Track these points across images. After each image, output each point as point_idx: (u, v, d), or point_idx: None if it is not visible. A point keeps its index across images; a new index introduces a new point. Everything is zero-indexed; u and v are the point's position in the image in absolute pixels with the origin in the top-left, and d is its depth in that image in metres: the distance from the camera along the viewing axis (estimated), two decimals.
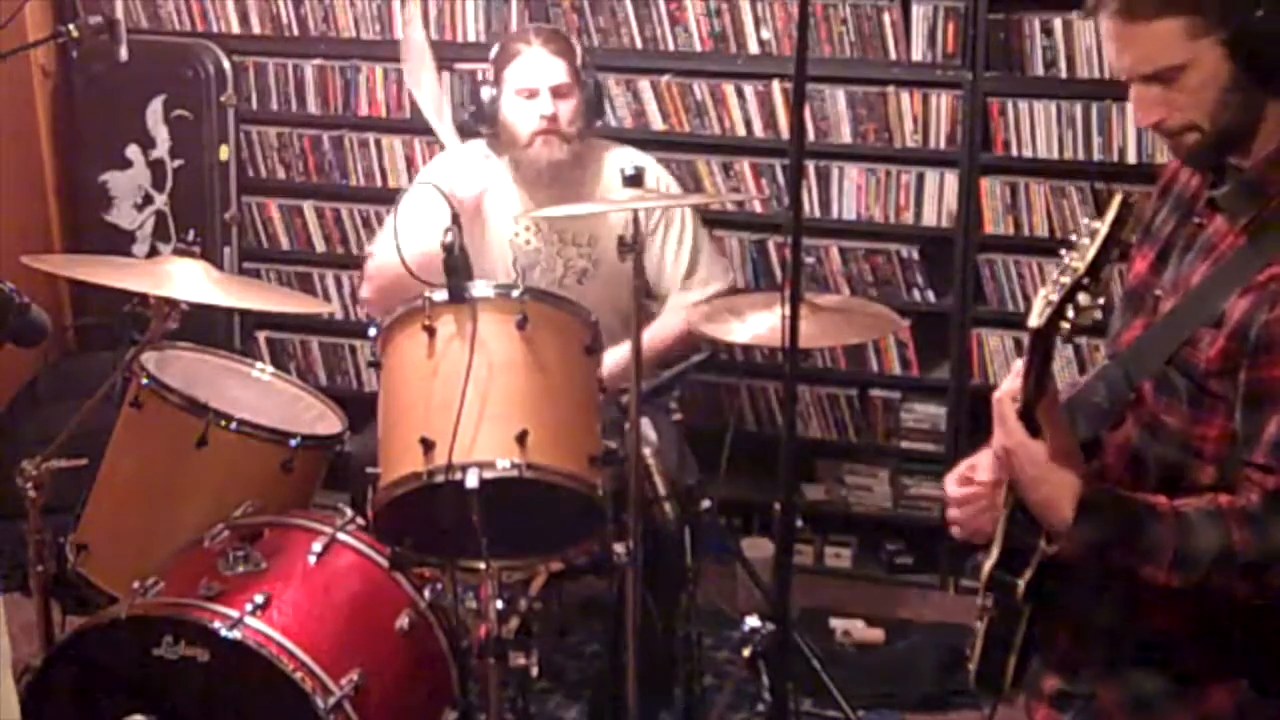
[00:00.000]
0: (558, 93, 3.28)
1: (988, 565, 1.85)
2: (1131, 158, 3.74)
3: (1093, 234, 1.56)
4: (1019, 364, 1.72)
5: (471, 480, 2.42)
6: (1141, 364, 1.78)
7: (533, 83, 3.27)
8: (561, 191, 3.30)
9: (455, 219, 2.54)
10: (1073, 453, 1.70)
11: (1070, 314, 1.55)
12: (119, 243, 4.43)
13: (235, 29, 4.39)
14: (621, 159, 3.39)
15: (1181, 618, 1.76)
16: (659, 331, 3.36)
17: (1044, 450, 1.69)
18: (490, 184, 3.33)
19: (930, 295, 4.00)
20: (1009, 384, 1.74)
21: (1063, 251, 1.58)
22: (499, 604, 2.57)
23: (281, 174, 4.42)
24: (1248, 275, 1.69)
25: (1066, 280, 1.55)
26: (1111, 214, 1.55)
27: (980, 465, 1.93)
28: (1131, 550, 1.69)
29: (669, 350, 3.32)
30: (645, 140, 3.73)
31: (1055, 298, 1.56)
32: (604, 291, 3.26)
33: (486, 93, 3.33)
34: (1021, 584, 1.78)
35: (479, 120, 3.38)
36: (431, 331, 2.52)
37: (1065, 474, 1.69)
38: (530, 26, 3.40)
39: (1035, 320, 1.58)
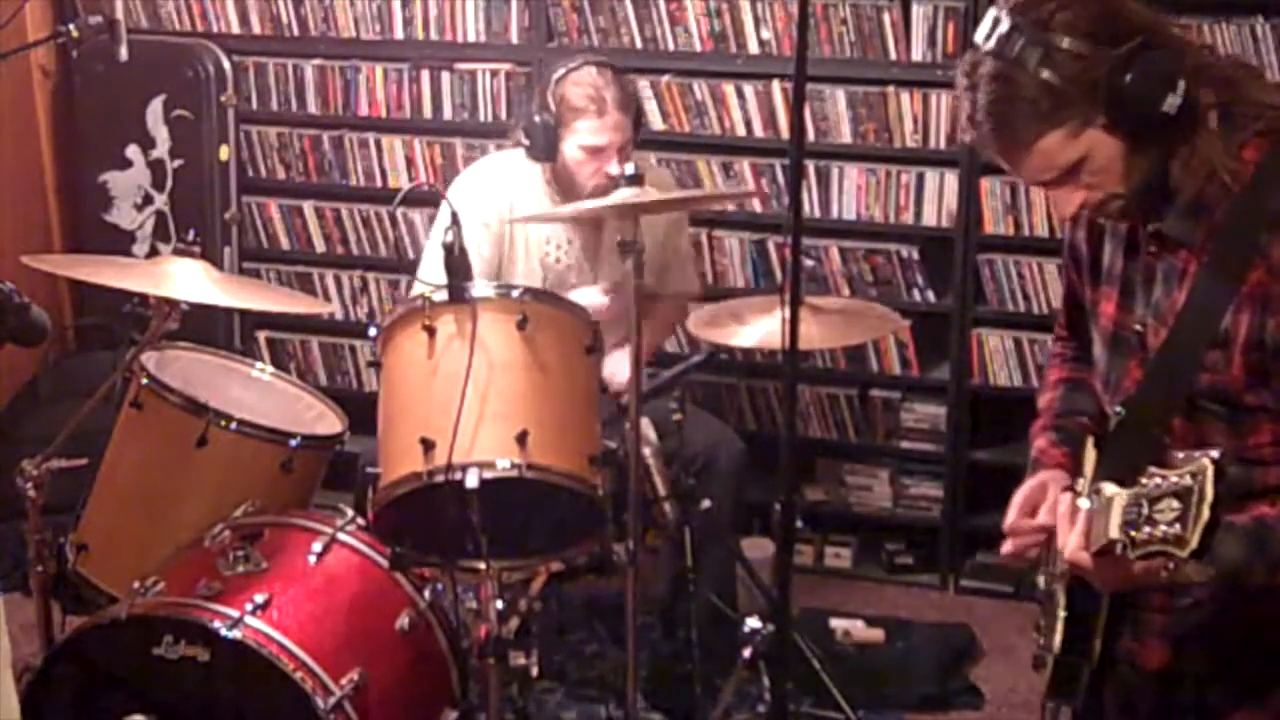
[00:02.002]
0: (621, 149, 3.30)
1: (1051, 660, 1.91)
2: None
3: (1185, 494, 1.54)
4: (1067, 512, 1.78)
5: (471, 480, 2.42)
6: (1164, 405, 1.78)
7: (602, 143, 3.28)
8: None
9: (455, 219, 2.54)
10: (1131, 574, 1.71)
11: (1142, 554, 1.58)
12: (119, 243, 4.43)
13: (235, 29, 4.39)
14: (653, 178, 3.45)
15: (1244, 632, 1.81)
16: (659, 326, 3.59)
17: (1111, 573, 1.72)
18: (519, 199, 3.39)
19: (930, 295, 4.00)
20: (1069, 541, 1.75)
21: (1144, 481, 1.59)
22: (499, 604, 2.57)
23: (281, 174, 4.43)
24: (1232, 289, 1.70)
25: (1159, 532, 1.56)
26: (1211, 490, 1.52)
27: (1050, 490, 1.96)
28: (1267, 563, 1.69)
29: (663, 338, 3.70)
30: (645, 140, 3.72)
31: (1147, 547, 1.58)
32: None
33: (543, 122, 3.29)
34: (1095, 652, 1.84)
35: (534, 151, 3.34)
36: (432, 331, 2.52)
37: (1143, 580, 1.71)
38: (597, 74, 3.29)
39: (1115, 538, 1.62)
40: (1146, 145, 1.72)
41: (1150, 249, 1.82)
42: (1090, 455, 1.90)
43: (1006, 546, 1.97)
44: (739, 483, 3.50)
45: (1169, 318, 1.78)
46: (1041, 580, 2.03)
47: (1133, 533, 1.58)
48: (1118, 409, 1.86)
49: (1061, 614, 1.90)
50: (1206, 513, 1.50)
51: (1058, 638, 1.91)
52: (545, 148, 3.31)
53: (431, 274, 2.80)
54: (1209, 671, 1.87)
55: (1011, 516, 1.98)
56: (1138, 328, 1.85)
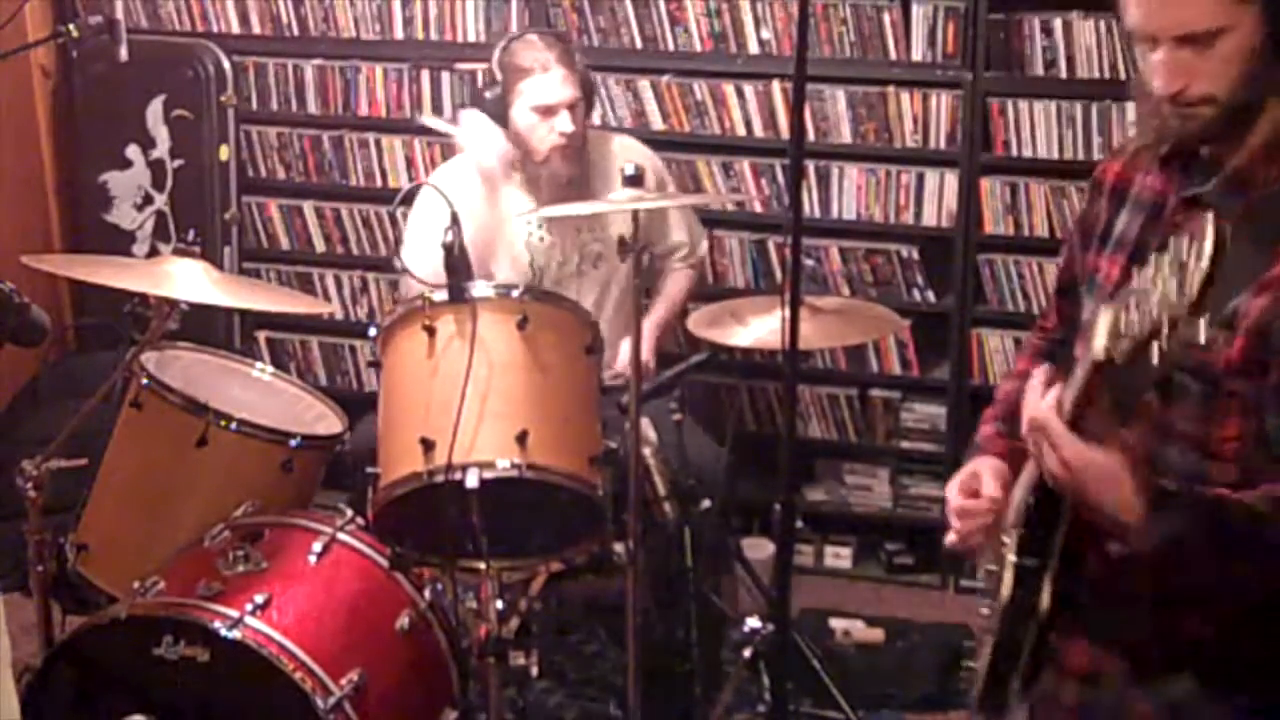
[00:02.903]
0: (572, 106, 3.32)
1: (1008, 580, 1.84)
2: None
3: (1182, 260, 1.44)
4: (1038, 377, 1.72)
5: (471, 480, 2.43)
6: (1148, 370, 1.72)
7: (552, 100, 3.30)
8: (568, 190, 3.34)
9: (455, 219, 2.54)
10: (1137, 454, 1.69)
11: (1161, 347, 1.47)
12: (119, 243, 4.43)
13: (235, 29, 4.39)
14: (624, 148, 3.51)
15: (1212, 623, 1.75)
16: (671, 292, 3.61)
17: (1108, 456, 1.67)
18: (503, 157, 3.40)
19: (930, 295, 4.00)
20: (1042, 402, 1.70)
21: (1135, 270, 1.50)
22: (499, 604, 2.57)
23: (281, 174, 4.42)
24: (1255, 271, 1.67)
25: (1152, 308, 1.46)
26: (1210, 241, 1.42)
27: (984, 478, 1.93)
28: (1209, 539, 1.68)
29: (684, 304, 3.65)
30: (645, 140, 3.73)
31: (1140, 328, 1.48)
32: (619, 274, 3.32)
33: (493, 96, 3.34)
34: (1046, 597, 1.76)
35: (490, 112, 3.37)
36: (432, 331, 2.52)
37: (1132, 474, 1.68)
38: (539, 39, 3.36)
39: (1102, 353, 1.54)
40: (1270, 62, 1.67)
41: (1174, 218, 1.79)
42: None
43: (952, 532, 1.94)
44: (725, 503, 3.45)
45: None
46: (981, 573, 2.00)
47: (1121, 330, 1.51)
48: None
49: (991, 639, 1.87)
50: (1206, 263, 1.41)
51: (987, 650, 1.88)
52: (494, 112, 3.34)
53: (417, 263, 2.80)
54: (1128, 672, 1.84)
55: (955, 500, 1.96)
56: None
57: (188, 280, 2.83)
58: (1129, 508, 1.67)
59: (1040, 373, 1.80)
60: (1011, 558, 1.81)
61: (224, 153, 4.38)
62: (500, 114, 3.34)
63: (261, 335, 4.51)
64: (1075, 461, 1.67)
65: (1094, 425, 1.67)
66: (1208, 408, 1.71)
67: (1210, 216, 1.45)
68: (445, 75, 4.22)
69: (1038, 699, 1.86)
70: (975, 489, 1.95)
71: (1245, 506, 1.68)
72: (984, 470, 1.96)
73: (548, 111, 3.31)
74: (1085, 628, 1.82)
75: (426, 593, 2.78)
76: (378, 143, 4.31)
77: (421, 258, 2.82)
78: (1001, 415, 2.11)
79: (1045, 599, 1.77)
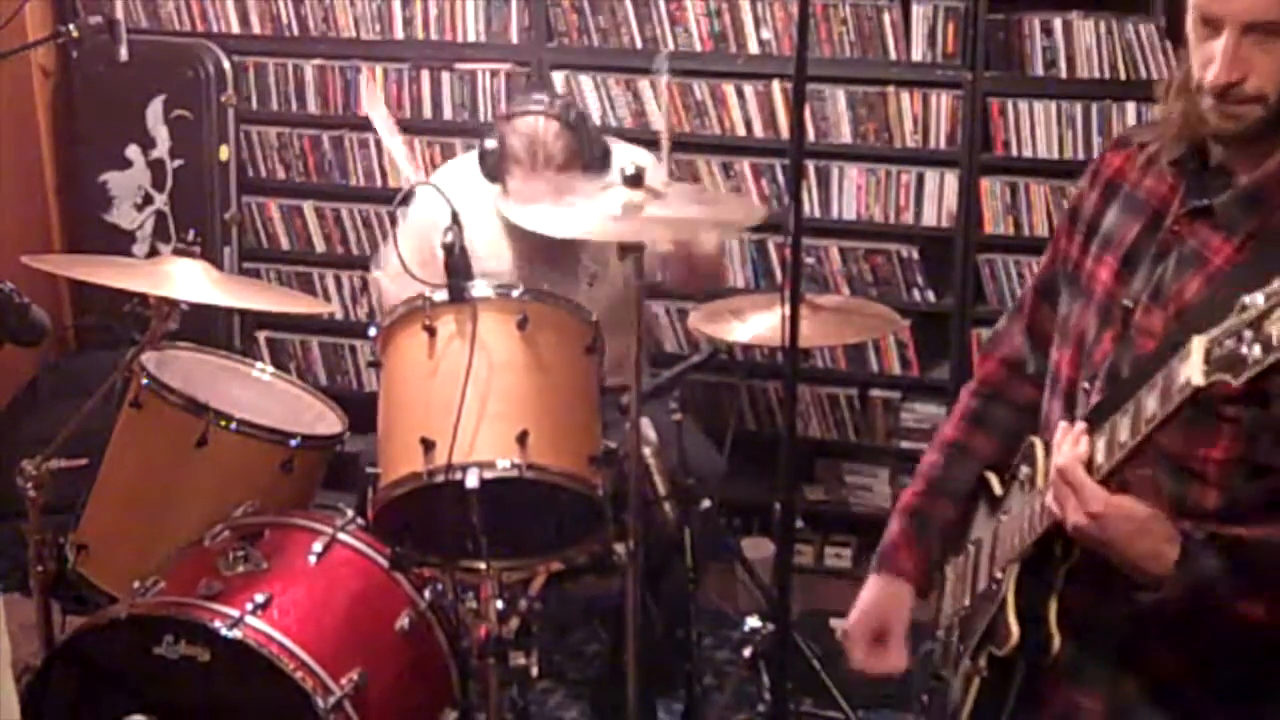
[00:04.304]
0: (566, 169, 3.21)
1: (973, 644, 1.86)
2: None
3: None
4: (1067, 430, 1.66)
5: (472, 480, 2.43)
6: (1138, 386, 1.65)
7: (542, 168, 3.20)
8: (552, 245, 3.21)
9: (455, 218, 2.54)
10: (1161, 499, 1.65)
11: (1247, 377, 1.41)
12: (119, 243, 4.42)
13: (235, 29, 4.38)
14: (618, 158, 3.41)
15: (1185, 659, 1.72)
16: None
17: (1138, 505, 1.63)
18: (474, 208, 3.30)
19: (930, 295, 3.99)
20: (1069, 451, 1.65)
21: (1246, 300, 1.40)
22: (499, 604, 2.57)
23: (281, 174, 4.42)
24: None
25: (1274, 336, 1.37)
26: None
27: (891, 635, 2.00)
28: (1236, 584, 1.63)
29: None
30: (645, 140, 3.72)
31: (1261, 358, 1.38)
32: (613, 291, 3.28)
33: (490, 157, 3.26)
34: (1057, 640, 1.73)
35: (485, 169, 3.30)
36: (432, 331, 2.52)
37: (1163, 521, 1.63)
38: (545, 130, 3.20)
39: (1200, 379, 1.44)
40: None
41: (1174, 227, 1.72)
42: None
43: (868, 673, 1.98)
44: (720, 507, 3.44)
45: (1170, 305, 1.70)
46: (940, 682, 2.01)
47: (1242, 349, 1.39)
48: (1084, 386, 1.79)
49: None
50: None
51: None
52: (489, 173, 3.29)
53: (390, 263, 2.79)
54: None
55: (859, 655, 1.99)
56: (1126, 303, 1.75)
57: (188, 280, 2.83)
58: (1157, 556, 1.63)
59: (897, 620, 1.92)
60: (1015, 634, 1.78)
61: (224, 153, 4.38)
62: (492, 172, 3.28)
63: (261, 335, 4.51)
64: (1104, 513, 1.62)
65: (1129, 471, 1.62)
66: (1194, 428, 1.64)
67: None
68: (445, 75, 4.21)
69: None
70: (880, 633, 2.00)
71: (1273, 544, 1.64)
72: (890, 615, 2.02)
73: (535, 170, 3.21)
74: (1060, 667, 1.77)
75: (426, 593, 2.78)
76: (378, 143, 4.29)
77: (409, 252, 2.79)
78: (916, 506, 2.06)
79: (1056, 643, 1.73)
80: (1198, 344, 1.44)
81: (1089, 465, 1.63)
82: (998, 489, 1.93)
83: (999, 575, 1.82)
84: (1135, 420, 1.57)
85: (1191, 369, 1.44)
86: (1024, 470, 1.84)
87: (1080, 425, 1.66)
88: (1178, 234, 1.72)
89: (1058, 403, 1.85)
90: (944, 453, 2.07)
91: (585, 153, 3.23)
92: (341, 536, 2.77)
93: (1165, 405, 1.51)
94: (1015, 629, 1.75)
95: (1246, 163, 1.68)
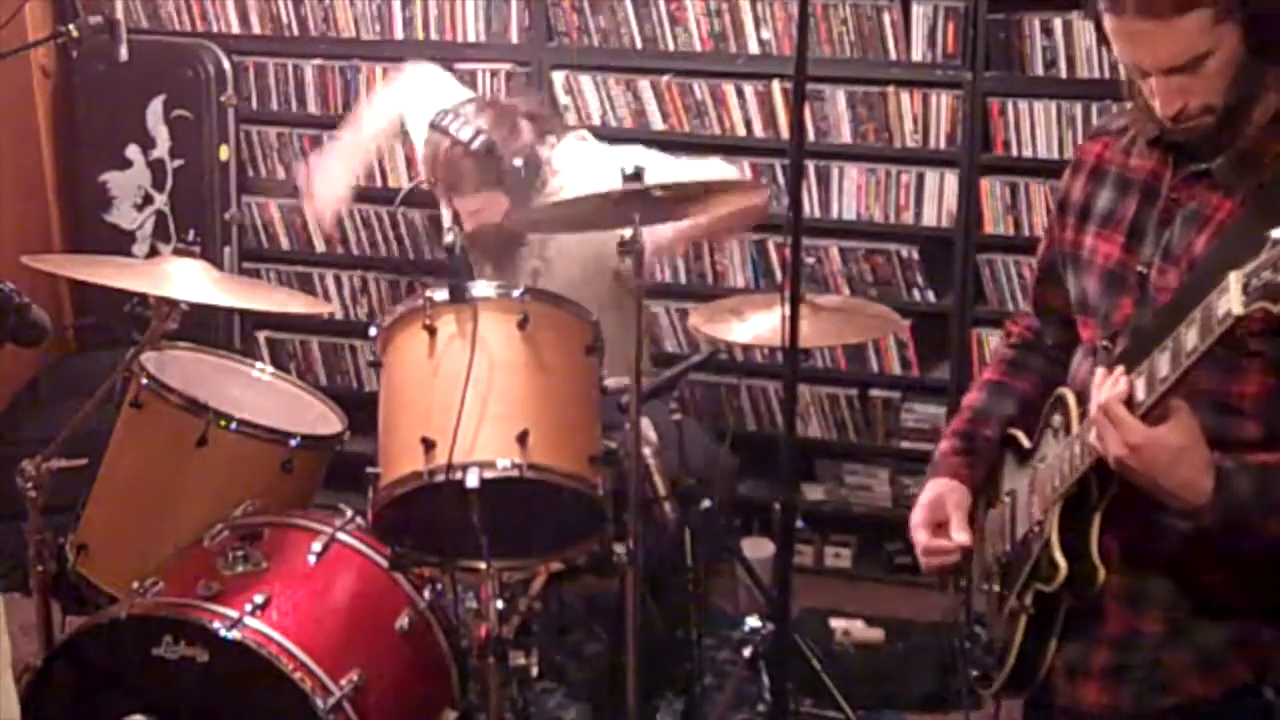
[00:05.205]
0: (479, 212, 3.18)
1: (1018, 586, 1.92)
2: None
3: None
4: (1106, 373, 1.74)
5: (472, 480, 2.42)
6: (1164, 337, 1.75)
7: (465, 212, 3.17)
8: (504, 246, 3.25)
9: (456, 218, 2.54)
10: (1195, 429, 1.71)
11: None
12: (119, 243, 4.43)
13: (235, 29, 4.39)
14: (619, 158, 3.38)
15: (1233, 578, 1.81)
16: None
17: (1173, 435, 1.70)
18: None
19: (930, 295, 4.00)
20: (1110, 390, 1.73)
21: (1275, 235, 1.50)
22: (499, 604, 2.57)
23: (281, 174, 4.42)
24: (1266, 239, 1.68)
25: None
26: None
27: (951, 517, 2.04)
28: (1272, 509, 1.72)
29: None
30: (645, 140, 3.72)
31: None
32: (560, 287, 3.24)
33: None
34: (1101, 571, 1.81)
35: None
36: (432, 331, 2.52)
37: (1199, 451, 1.71)
38: (464, 156, 3.11)
39: (1239, 309, 1.52)
40: (1259, 67, 1.73)
41: (1173, 194, 1.83)
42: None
43: (930, 566, 2.06)
44: (730, 505, 3.46)
45: (1182, 260, 1.80)
46: (963, 593, 2.08)
47: (1278, 278, 1.47)
48: (1104, 344, 1.88)
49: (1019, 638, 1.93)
50: None
51: (1014, 651, 1.93)
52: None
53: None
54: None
55: (922, 538, 2.05)
56: (1141, 269, 1.86)
57: (188, 280, 2.83)
58: (1194, 485, 1.71)
59: (955, 507, 2.01)
60: (1055, 536, 1.85)
61: (224, 153, 4.38)
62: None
63: (261, 335, 4.51)
64: (1142, 444, 1.70)
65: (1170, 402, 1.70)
66: (1225, 368, 1.75)
67: None
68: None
69: (1060, 670, 1.92)
70: (940, 521, 2.05)
71: None
72: (949, 503, 2.06)
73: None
74: (1117, 595, 1.86)
75: (426, 593, 2.78)
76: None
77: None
78: (960, 428, 2.17)
79: (1101, 575, 1.81)
80: (1234, 278, 1.52)
81: (1129, 403, 1.71)
82: (1025, 443, 2.01)
83: (1039, 517, 1.90)
84: (1175, 355, 1.64)
85: (1231, 300, 1.52)
86: (1056, 419, 1.93)
87: (1119, 368, 1.74)
88: (1177, 200, 1.84)
89: (1086, 361, 1.95)
90: (985, 389, 2.19)
91: (498, 180, 3.15)
92: (341, 536, 2.77)
93: (1205, 337, 1.59)
94: (1063, 563, 1.83)
95: (1231, 130, 1.78)
